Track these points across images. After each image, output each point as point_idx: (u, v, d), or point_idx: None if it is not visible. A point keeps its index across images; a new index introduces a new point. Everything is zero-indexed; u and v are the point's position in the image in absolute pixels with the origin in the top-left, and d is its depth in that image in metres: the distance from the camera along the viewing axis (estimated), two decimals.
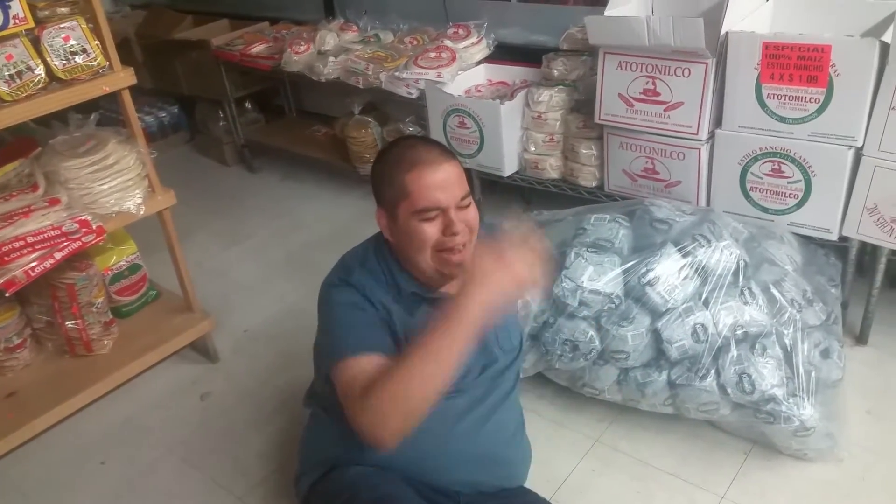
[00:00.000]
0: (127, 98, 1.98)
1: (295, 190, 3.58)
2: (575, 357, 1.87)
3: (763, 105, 2.00)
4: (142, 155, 2.02)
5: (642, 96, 2.19)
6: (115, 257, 2.26)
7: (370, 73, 2.87)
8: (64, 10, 1.88)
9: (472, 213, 1.44)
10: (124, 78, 1.93)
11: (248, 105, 3.90)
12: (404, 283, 1.47)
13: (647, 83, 2.16)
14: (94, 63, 1.87)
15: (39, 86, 1.80)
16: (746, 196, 2.15)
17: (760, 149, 2.05)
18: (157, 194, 2.08)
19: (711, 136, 2.14)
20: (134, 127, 2.03)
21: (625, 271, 1.85)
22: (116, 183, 1.95)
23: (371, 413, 1.25)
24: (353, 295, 1.43)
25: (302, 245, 3.05)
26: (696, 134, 2.14)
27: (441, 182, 1.39)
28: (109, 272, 2.24)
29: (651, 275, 1.82)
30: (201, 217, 3.33)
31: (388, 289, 1.46)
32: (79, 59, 1.85)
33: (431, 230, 1.41)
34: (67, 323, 2.09)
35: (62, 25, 1.84)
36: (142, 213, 2.02)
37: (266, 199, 3.53)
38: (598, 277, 1.85)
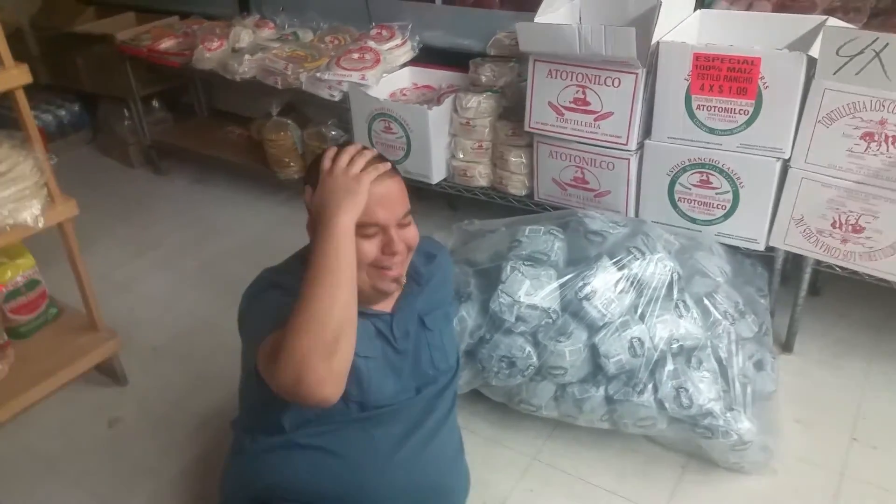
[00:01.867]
0: (21, 98, 1.78)
1: (207, 194, 3.38)
2: (512, 373, 1.82)
3: (692, 116, 2.00)
4: (40, 161, 1.83)
5: (572, 105, 2.16)
6: (9, 273, 2.04)
7: (289, 72, 2.74)
8: None
9: (412, 232, 1.39)
10: (17, 76, 1.74)
11: (155, 104, 3.68)
12: None
13: (577, 92, 2.14)
14: None
15: None
16: (675, 206, 2.15)
17: (689, 160, 2.06)
18: (57, 204, 1.89)
19: (641, 146, 2.14)
20: (30, 130, 1.83)
21: (561, 285, 1.82)
22: (10, 192, 1.76)
23: (289, 361, 1.13)
24: (281, 293, 1.33)
25: (215, 254, 2.88)
26: (626, 144, 2.13)
27: (381, 198, 1.32)
28: (4, 289, 2.03)
29: (588, 289, 1.79)
30: (105, 223, 3.10)
31: None
32: None
33: (370, 247, 1.34)
34: None
35: None
36: (40, 225, 1.82)
37: (175, 204, 3.32)
38: (534, 292, 1.80)
